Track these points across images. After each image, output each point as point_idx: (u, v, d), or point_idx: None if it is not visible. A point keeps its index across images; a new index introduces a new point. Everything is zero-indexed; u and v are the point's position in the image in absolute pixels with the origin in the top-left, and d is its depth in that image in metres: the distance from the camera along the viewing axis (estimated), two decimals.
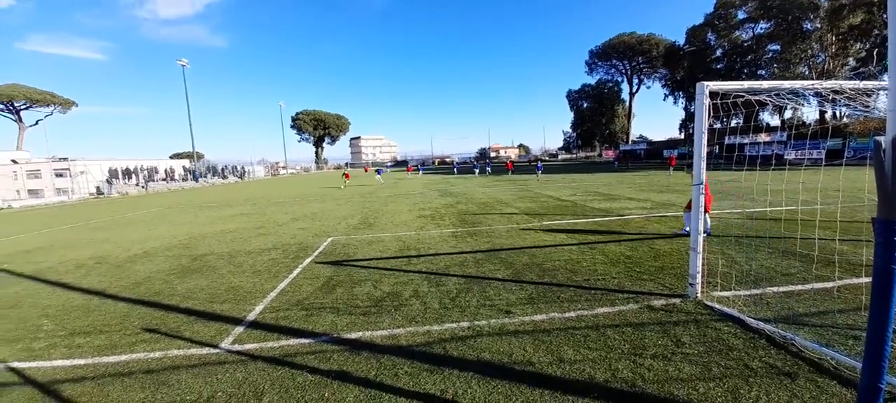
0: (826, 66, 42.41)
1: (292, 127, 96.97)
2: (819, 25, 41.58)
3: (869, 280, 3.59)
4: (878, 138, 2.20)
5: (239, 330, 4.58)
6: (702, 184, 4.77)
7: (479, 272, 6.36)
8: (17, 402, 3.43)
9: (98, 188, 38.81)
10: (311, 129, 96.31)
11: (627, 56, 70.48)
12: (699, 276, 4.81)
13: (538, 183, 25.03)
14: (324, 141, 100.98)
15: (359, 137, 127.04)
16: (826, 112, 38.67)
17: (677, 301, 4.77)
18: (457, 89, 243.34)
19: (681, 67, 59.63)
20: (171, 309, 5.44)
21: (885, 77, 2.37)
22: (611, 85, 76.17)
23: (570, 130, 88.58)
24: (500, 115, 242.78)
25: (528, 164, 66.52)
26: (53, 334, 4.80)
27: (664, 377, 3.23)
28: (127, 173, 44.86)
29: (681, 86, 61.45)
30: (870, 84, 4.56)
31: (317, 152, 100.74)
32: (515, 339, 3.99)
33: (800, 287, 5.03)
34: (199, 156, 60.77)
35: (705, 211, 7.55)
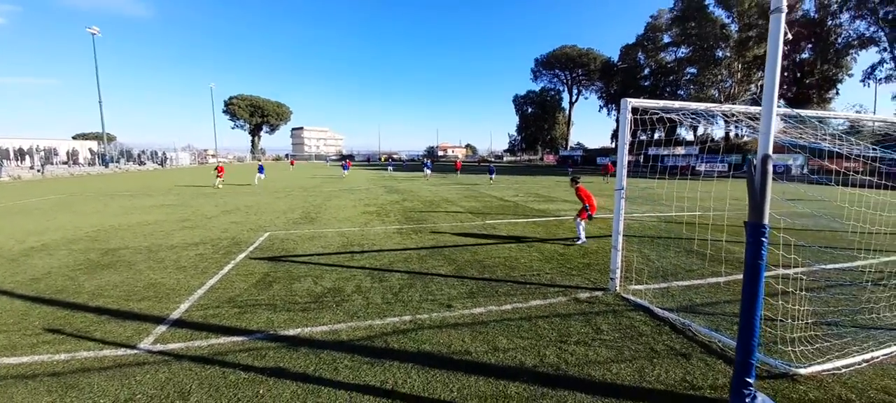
0: (732, 91, 48.70)
1: (225, 112, 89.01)
2: (729, 54, 47.63)
3: None
4: (749, 156, 2.68)
5: (161, 329, 4.25)
6: (623, 189, 5.33)
7: (422, 268, 6.49)
8: None
9: None
10: (248, 116, 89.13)
11: (569, 67, 75.03)
12: (618, 272, 5.37)
13: (487, 184, 25.61)
14: (261, 129, 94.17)
15: (301, 128, 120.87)
16: (730, 131, 44.51)
17: (600, 293, 5.29)
18: (406, 86, 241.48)
19: (614, 82, 64.89)
20: (77, 307, 4.87)
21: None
22: (553, 93, 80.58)
23: (515, 133, 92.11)
24: (449, 115, 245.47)
25: (477, 165, 68.08)
26: None
27: (584, 360, 3.60)
28: (20, 154, 38.52)
29: (614, 100, 66.80)
30: (754, 109, 5.41)
31: (253, 141, 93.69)
32: (455, 331, 4.18)
33: (698, 281, 5.82)
34: (111, 139, 53.95)
35: (585, 216, 8.36)
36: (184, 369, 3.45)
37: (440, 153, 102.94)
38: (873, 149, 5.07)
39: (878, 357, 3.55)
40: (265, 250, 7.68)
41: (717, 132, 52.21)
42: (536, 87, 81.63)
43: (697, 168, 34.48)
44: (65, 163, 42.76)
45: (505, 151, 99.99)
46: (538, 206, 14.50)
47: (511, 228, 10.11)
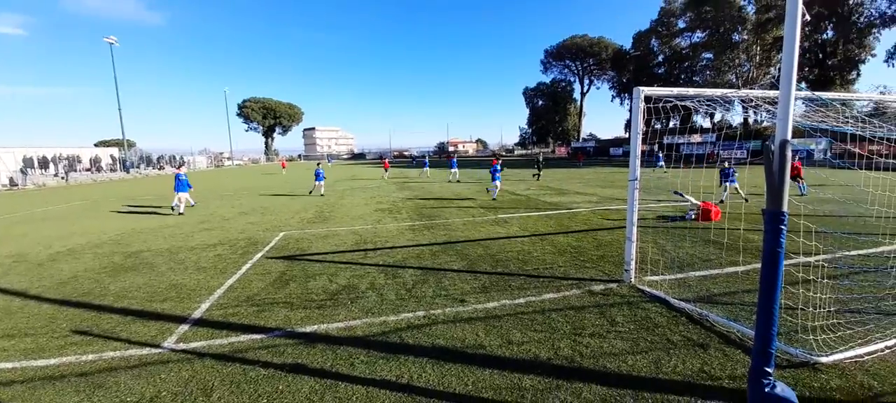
0: (751, 75, 47.21)
1: (239, 115, 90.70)
2: (746, 37, 46.13)
3: None
4: (767, 142, 2.61)
5: (183, 328, 4.39)
6: (636, 179, 5.25)
7: (435, 264, 6.53)
8: None
9: (11, 178, 34.26)
10: (260, 119, 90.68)
11: (579, 57, 73.77)
12: (633, 263, 5.31)
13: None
14: (274, 131, 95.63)
15: (313, 128, 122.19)
16: (748, 117, 43.25)
17: (614, 285, 5.24)
18: (415, 82, 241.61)
19: (627, 70, 63.53)
20: (103, 309, 5.07)
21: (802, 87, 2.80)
22: (564, 84, 79.44)
23: (525, 126, 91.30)
24: (459, 110, 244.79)
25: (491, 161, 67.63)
26: None
27: (599, 352, 3.59)
28: (44, 162, 39.97)
29: (627, 89, 65.39)
30: (772, 93, 5.25)
31: (266, 143, 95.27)
32: (468, 326, 4.20)
33: (716, 271, 5.71)
34: (130, 145, 55.47)
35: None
36: (206, 367, 3.56)
37: (451, 148, 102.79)
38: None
39: None
40: (281, 249, 7.83)
41: (736, 118, 50.83)
42: (547, 79, 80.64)
43: (715, 154, 33.63)
44: (88, 169, 44.19)
45: (516, 144, 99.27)
46: (550, 200, 14.38)
47: (523, 222, 10.07)
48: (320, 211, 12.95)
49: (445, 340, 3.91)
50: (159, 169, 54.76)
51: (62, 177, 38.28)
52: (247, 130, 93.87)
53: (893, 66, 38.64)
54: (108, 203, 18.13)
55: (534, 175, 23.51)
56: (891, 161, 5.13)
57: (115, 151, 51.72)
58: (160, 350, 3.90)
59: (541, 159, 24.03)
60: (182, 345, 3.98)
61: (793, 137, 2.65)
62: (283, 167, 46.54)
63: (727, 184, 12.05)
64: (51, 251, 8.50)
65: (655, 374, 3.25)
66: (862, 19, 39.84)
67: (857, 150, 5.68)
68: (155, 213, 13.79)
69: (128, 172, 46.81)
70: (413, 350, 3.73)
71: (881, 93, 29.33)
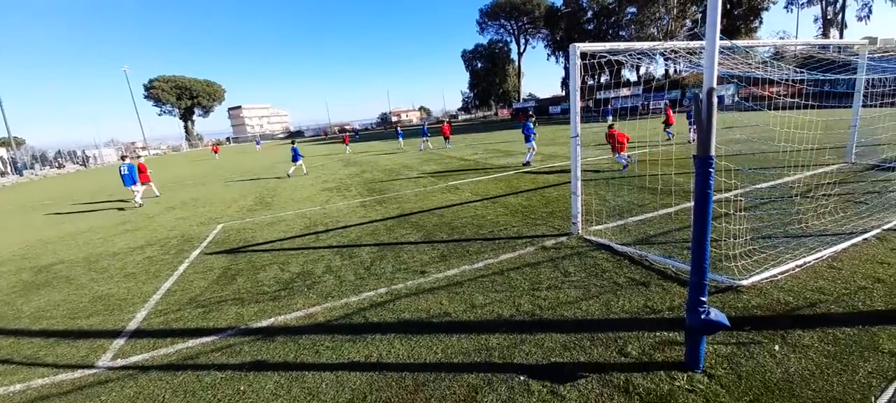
0: (669, 28, 50.51)
1: (147, 97, 79.65)
2: None
3: None
4: (695, 91, 2.79)
5: (119, 343, 3.96)
6: (578, 136, 5.46)
7: (391, 238, 6.45)
8: None
9: None
10: (175, 100, 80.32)
11: (514, 16, 73.89)
12: (579, 216, 5.63)
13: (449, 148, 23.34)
14: (193, 113, 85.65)
15: (239, 107, 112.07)
16: (669, 68, 46.76)
17: (564, 239, 5.54)
18: (352, 53, 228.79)
19: (559, 28, 65.02)
20: (20, 333, 4.41)
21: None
22: (501, 45, 79.59)
23: (467, 91, 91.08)
24: (399, 78, 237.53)
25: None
26: None
27: (556, 303, 3.81)
28: None
29: (560, 47, 67.24)
30: (695, 44, 5.63)
31: (186, 127, 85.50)
32: (432, 296, 4.24)
33: (650, 214, 6.25)
34: (19, 143, 47.42)
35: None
36: (152, 380, 3.26)
37: (394, 118, 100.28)
38: (798, 72, 5.51)
39: (809, 262, 4.04)
40: (221, 243, 7.26)
41: (659, 70, 54.67)
42: (484, 40, 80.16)
43: (659, 104, 36.09)
44: None
45: (459, 110, 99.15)
46: (498, 162, 14.69)
47: (474, 187, 10.22)
48: (261, 198, 12.12)
49: (410, 313, 3.92)
50: (59, 167, 47.64)
51: None
52: (160, 114, 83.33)
53: (792, 11, 43.60)
54: (4, 213, 15.50)
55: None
56: (790, 100, 5.79)
57: (1, 152, 43.89)
58: (95, 371, 3.49)
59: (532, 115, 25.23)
60: (120, 362, 3.60)
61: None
62: (216, 152, 42.51)
63: (692, 126, 13.49)
64: None
65: (606, 315, 3.53)
66: None
67: (762, 92, 6.36)
68: (75, 215, 12.05)
69: (21, 175, 40.16)
70: (379, 328, 3.70)
71: (781, 38, 32.93)
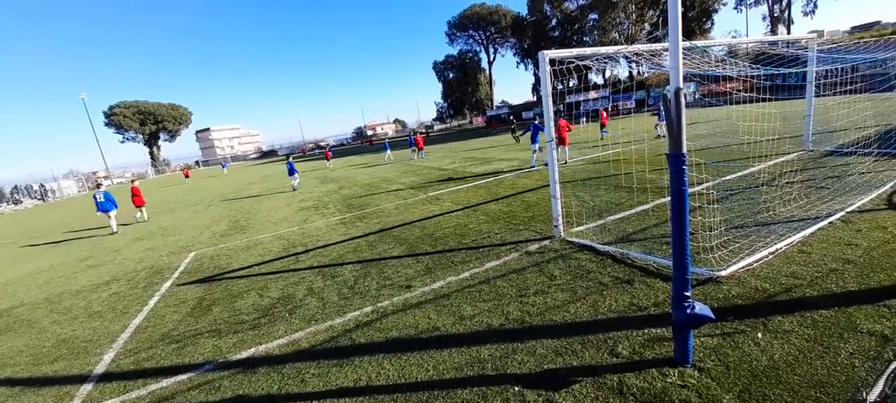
0: (630, 32, 52.64)
1: (108, 124, 76.11)
2: None
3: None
4: (664, 91, 2.88)
5: (86, 388, 3.68)
6: (553, 140, 5.55)
7: (374, 254, 6.31)
8: None
9: None
10: (138, 125, 76.88)
11: (481, 26, 75.34)
12: (560, 218, 5.69)
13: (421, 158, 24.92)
14: (158, 138, 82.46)
15: (207, 129, 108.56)
16: (632, 70, 48.70)
17: (547, 242, 5.57)
18: (323, 70, 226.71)
19: (527, 36, 66.69)
20: None
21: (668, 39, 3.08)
22: (471, 54, 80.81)
23: (441, 101, 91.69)
24: (373, 92, 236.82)
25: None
26: None
27: (545, 308, 3.80)
28: None
29: (529, 54, 68.88)
30: (658, 46, 5.86)
31: (152, 152, 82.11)
32: (419, 311, 4.15)
33: (628, 212, 6.38)
34: None
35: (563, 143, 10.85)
36: None
37: (369, 132, 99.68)
38: (754, 68, 5.80)
39: (781, 248, 4.20)
40: (194, 272, 6.92)
41: (623, 73, 56.70)
42: (454, 51, 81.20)
43: (624, 106, 37.40)
44: None
45: (434, 120, 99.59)
46: (476, 170, 14.77)
47: (455, 196, 10.20)
48: (235, 221, 11.69)
49: (398, 331, 3.81)
50: (16, 203, 44.69)
51: None
52: (123, 141, 79.70)
53: (741, 11, 46.50)
54: None
55: (515, 138, 25.05)
56: (747, 94, 6.09)
57: None
58: None
59: (515, 124, 29.21)
60: None
61: (667, 85, 2.95)
62: (187, 176, 41.09)
63: (660, 122, 15.76)
64: None
65: (595, 316, 3.54)
66: None
67: (720, 89, 6.66)
68: (34, 252, 11.22)
69: None
70: (367, 350, 3.57)
71: (733, 37, 34.83)
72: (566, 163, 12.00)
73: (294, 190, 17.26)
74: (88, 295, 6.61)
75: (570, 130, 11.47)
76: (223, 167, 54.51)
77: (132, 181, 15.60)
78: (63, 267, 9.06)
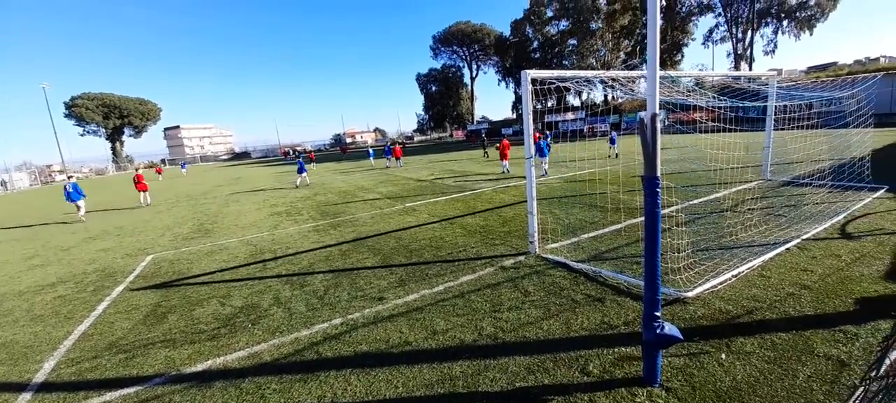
0: (606, 59, 54.94)
1: (68, 116, 71.54)
2: (601, 25, 53.42)
3: (643, 219, 4.92)
4: (640, 115, 2.96)
5: (25, 397, 3.36)
6: (532, 158, 5.62)
7: (346, 264, 6.14)
8: None
9: None
10: (101, 119, 72.56)
11: (465, 43, 76.76)
12: (536, 234, 5.73)
13: (399, 167, 25.15)
14: (122, 133, 78.11)
15: (177, 127, 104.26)
16: (607, 95, 50.73)
17: (522, 258, 5.59)
18: (303, 73, 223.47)
19: (509, 56, 68.39)
20: None
21: (645, 67, 3.19)
22: (454, 69, 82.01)
23: (422, 112, 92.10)
24: (354, 99, 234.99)
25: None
26: None
27: (518, 324, 3.77)
28: None
29: (510, 73, 70.53)
30: (634, 73, 6.10)
31: (114, 148, 77.66)
32: (391, 324, 4.03)
33: (601, 231, 6.52)
34: None
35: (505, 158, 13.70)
36: None
37: (348, 139, 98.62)
38: (718, 99, 6.12)
39: (743, 272, 4.37)
40: (150, 277, 6.51)
41: (598, 97, 58.89)
42: (437, 65, 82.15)
43: (585, 129, 38.61)
44: None
45: (415, 131, 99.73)
46: (454, 183, 14.79)
47: (432, 208, 10.14)
48: (199, 224, 11.16)
49: (368, 344, 3.68)
50: None
51: None
52: (83, 134, 75.13)
53: (708, 46, 49.79)
54: None
55: (484, 154, 26.27)
56: (712, 123, 6.39)
57: None
58: None
59: (484, 137, 29.82)
60: None
61: (638, 111, 3.05)
62: (159, 173, 39.27)
63: (612, 146, 18.53)
64: None
65: (567, 334, 3.54)
66: (684, 9, 49.88)
67: (688, 117, 7.00)
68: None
69: None
70: (334, 364, 3.42)
71: (700, 70, 36.94)
72: (506, 172, 15.78)
73: (296, 187, 18.56)
74: (32, 297, 6.08)
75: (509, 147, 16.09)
76: (182, 167, 52.05)
77: (136, 169, 17.82)
78: (6, 266, 8.33)
